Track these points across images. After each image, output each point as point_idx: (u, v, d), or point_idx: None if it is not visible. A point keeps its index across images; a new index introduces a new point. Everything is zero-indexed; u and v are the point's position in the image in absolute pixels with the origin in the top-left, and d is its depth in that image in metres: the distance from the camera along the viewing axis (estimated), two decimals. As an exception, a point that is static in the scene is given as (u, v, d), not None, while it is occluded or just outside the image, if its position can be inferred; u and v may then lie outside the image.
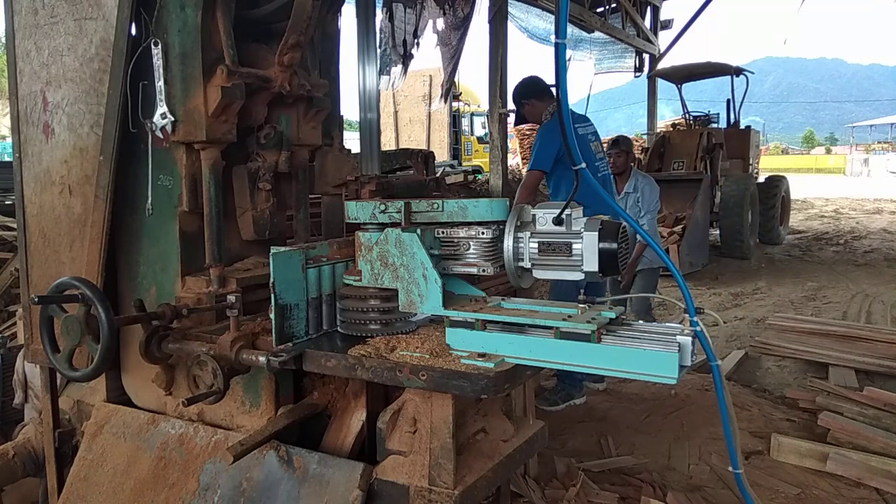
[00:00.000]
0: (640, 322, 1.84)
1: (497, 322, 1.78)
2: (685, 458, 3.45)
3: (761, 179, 11.97)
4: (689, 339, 1.59)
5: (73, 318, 1.97)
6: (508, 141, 11.47)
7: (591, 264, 1.71)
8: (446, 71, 9.71)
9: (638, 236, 4.26)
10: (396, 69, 8.94)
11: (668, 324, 1.76)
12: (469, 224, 1.86)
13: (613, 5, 13.41)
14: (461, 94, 18.38)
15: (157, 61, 2.12)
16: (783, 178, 11.85)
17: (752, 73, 11.93)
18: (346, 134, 3.75)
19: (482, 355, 1.71)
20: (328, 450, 2.03)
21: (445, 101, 11.80)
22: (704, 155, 10.22)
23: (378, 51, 7.85)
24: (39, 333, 2.08)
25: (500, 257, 1.83)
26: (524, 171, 5.58)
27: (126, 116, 2.18)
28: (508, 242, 1.79)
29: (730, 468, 1.79)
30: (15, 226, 3.93)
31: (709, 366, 1.72)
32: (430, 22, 8.94)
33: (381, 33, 8.38)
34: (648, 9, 15.04)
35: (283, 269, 1.85)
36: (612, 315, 1.77)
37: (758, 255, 10.22)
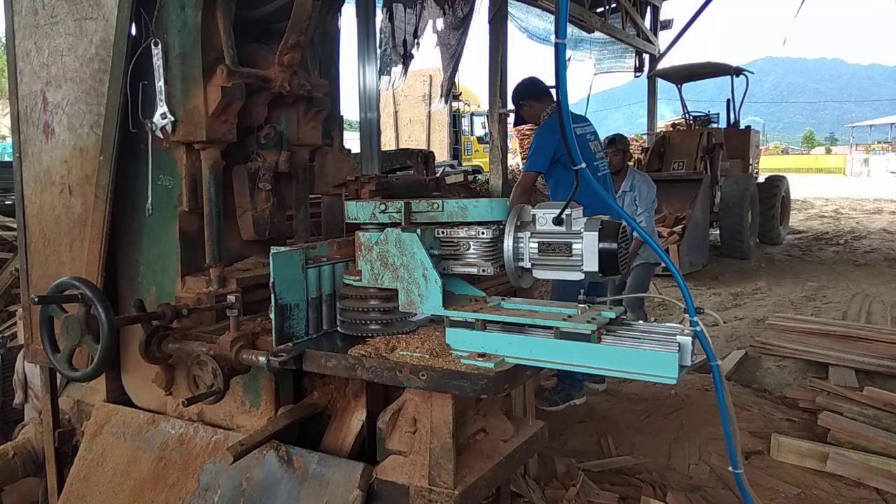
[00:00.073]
0: (640, 322, 1.84)
1: (497, 322, 1.78)
2: (685, 458, 3.45)
3: (761, 179, 11.97)
4: (689, 339, 1.59)
5: (73, 318, 1.97)
6: (508, 141, 11.48)
7: (591, 264, 1.71)
8: (446, 71, 9.72)
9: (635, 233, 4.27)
10: (397, 69, 8.94)
11: (668, 324, 1.76)
12: (469, 224, 1.86)
13: (613, 5, 13.42)
14: (461, 94, 18.39)
15: (157, 61, 2.12)
16: (783, 178, 11.85)
17: (752, 73, 11.93)
18: (346, 134, 3.75)
19: (482, 355, 1.71)
20: (328, 450, 2.03)
21: (446, 102, 11.80)
22: (704, 155, 10.22)
23: (378, 51, 7.85)
24: (39, 333, 2.08)
25: (500, 257, 1.83)
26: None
27: (126, 116, 2.18)
28: (508, 242, 1.79)
29: (730, 468, 1.79)
30: (15, 226, 3.93)
31: (709, 366, 1.72)
32: (430, 22, 8.94)
33: (381, 33, 8.38)
34: (648, 9, 15.05)
35: (283, 269, 1.85)
36: (612, 315, 1.77)
37: (758, 255, 10.22)
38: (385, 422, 1.90)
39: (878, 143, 51.45)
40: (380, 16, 8.22)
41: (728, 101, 11.77)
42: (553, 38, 1.92)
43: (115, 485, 2.21)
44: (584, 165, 1.72)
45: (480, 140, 19.29)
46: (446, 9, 8.88)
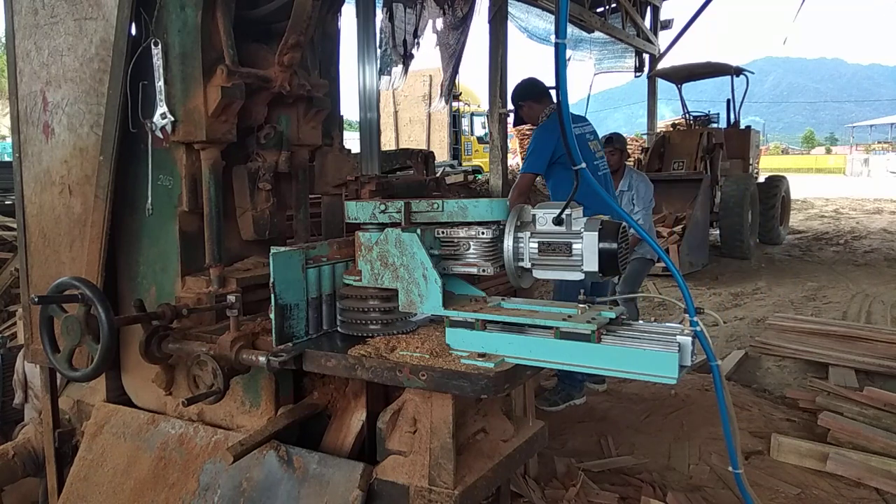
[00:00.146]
0: (640, 322, 1.84)
1: (497, 322, 1.78)
2: (685, 458, 3.45)
3: (761, 179, 11.97)
4: (689, 339, 1.59)
5: (73, 318, 1.97)
6: (508, 141, 11.47)
7: (591, 264, 1.71)
8: (446, 71, 9.71)
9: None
10: (397, 69, 8.94)
11: (668, 324, 1.76)
12: (469, 224, 1.86)
13: (613, 5, 13.42)
14: (461, 94, 18.39)
15: (157, 61, 2.12)
16: (783, 178, 11.85)
17: (752, 73, 11.93)
18: (346, 134, 3.74)
19: (482, 355, 1.71)
20: (328, 450, 2.03)
21: (446, 102, 11.80)
22: (704, 155, 10.22)
23: (378, 51, 7.85)
24: (39, 333, 2.08)
25: (500, 257, 1.83)
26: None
27: (126, 116, 2.18)
28: (508, 242, 1.79)
29: (730, 468, 1.79)
30: (15, 226, 3.93)
31: (709, 366, 1.72)
32: (430, 22, 8.94)
33: (381, 33, 8.38)
34: (648, 9, 15.05)
35: (283, 269, 1.85)
36: (612, 315, 1.77)
37: (758, 255, 10.22)
38: (385, 422, 1.90)
39: (879, 143, 51.45)
40: (380, 16, 8.22)
41: (728, 101, 11.77)
42: (553, 38, 1.92)
43: (115, 485, 2.21)
44: (584, 165, 1.72)
45: (480, 140, 19.29)
46: (446, 9, 8.87)
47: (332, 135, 2.73)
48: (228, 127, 2.20)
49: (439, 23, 9.04)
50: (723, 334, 6.00)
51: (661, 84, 14.81)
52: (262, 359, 1.83)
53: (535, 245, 1.78)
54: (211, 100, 2.12)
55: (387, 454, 1.89)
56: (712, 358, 1.66)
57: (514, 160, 16.93)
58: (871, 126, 62.65)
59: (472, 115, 19.91)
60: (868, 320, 6.38)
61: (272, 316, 1.84)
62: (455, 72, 9.64)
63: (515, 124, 4.80)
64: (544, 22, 11.83)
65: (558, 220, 1.76)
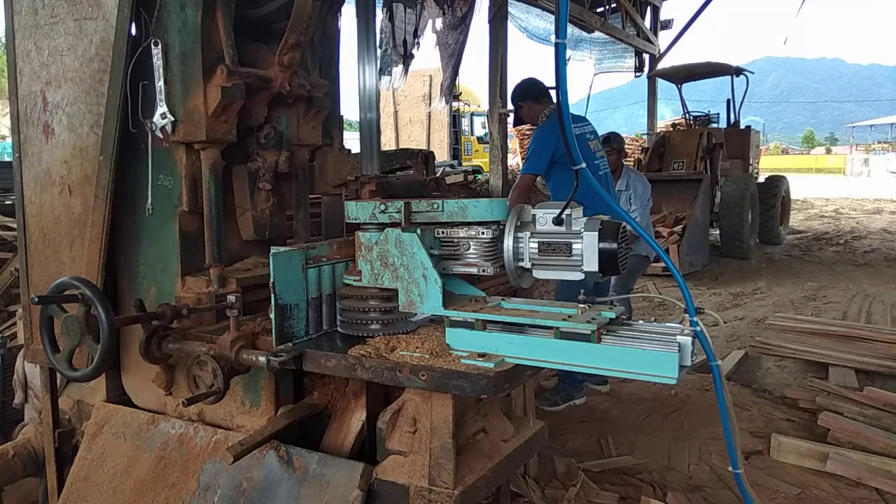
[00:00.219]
0: (640, 322, 1.84)
1: (497, 322, 1.78)
2: (685, 458, 3.45)
3: (761, 179, 11.97)
4: (689, 339, 1.59)
5: (73, 318, 1.97)
6: (508, 141, 11.47)
7: (591, 264, 1.71)
8: (446, 71, 9.70)
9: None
10: (397, 69, 8.93)
11: (668, 324, 1.76)
12: (469, 224, 1.86)
13: (613, 5, 13.41)
14: (461, 94, 18.39)
15: (157, 61, 2.12)
16: (783, 178, 11.85)
17: (752, 73, 11.92)
18: (346, 134, 3.75)
19: (482, 355, 1.71)
20: (328, 450, 2.03)
21: (446, 102, 11.79)
22: (704, 155, 10.22)
23: (378, 51, 7.85)
24: (39, 333, 2.08)
25: (500, 257, 1.83)
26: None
27: (126, 116, 2.18)
28: (508, 242, 1.79)
29: (730, 468, 1.79)
30: (15, 226, 3.93)
31: (709, 366, 1.72)
32: (430, 22, 8.94)
33: (381, 33, 8.38)
34: (648, 9, 15.04)
35: (283, 269, 1.85)
36: (612, 315, 1.77)
37: (758, 255, 10.22)
38: (385, 422, 1.90)
39: (879, 143, 51.44)
40: (380, 16, 8.22)
41: (728, 101, 11.76)
42: (553, 38, 1.92)
43: (115, 485, 2.21)
44: (584, 165, 1.72)
45: (480, 140, 19.29)
46: (446, 9, 8.87)
47: (332, 135, 2.73)
48: (228, 127, 2.20)
49: (439, 23, 9.04)
50: (723, 334, 6.00)
51: (661, 84, 14.80)
52: (262, 359, 1.83)
53: (535, 245, 1.78)
54: (211, 100, 2.12)
55: (387, 454, 1.89)
56: (712, 358, 1.66)
57: (514, 160, 16.93)
58: (871, 126, 62.65)
59: (472, 115, 19.91)
60: (868, 320, 6.38)
61: (272, 316, 1.84)
62: (455, 72, 9.64)
63: (515, 124, 4.80)
64: (544, 22, 11.83)
65: (558, 220, 1.76)
